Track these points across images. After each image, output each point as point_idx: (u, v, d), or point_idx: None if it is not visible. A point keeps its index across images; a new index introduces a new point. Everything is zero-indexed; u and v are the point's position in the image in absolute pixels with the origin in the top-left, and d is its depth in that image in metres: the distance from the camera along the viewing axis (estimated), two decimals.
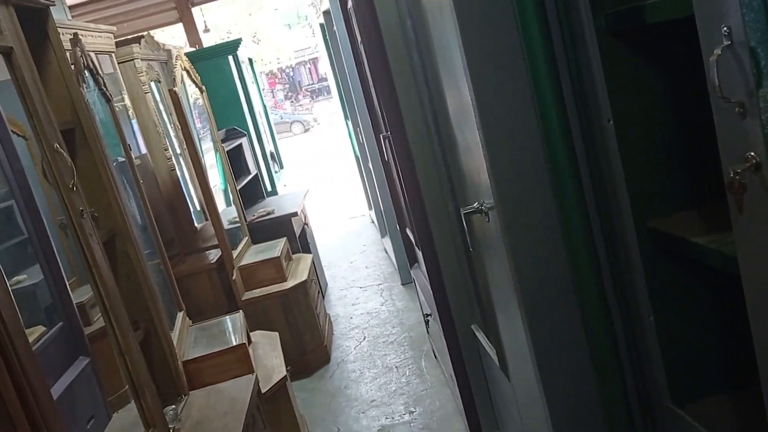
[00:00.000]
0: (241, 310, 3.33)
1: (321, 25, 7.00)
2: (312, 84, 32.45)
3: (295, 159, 14.94)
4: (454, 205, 2.58)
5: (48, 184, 2.47)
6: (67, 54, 2.58)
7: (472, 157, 1.86)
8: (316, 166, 14.53)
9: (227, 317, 3.28)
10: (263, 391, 2.74)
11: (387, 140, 3.16)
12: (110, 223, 2.33)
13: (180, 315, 3.16)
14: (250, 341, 3.18)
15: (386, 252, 6.09)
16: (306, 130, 23.91)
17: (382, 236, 6.28)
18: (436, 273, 2.71)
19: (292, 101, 30.72)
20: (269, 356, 3.14)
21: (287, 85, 32.19)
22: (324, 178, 12.39)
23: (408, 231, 3.73)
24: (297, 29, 30.22)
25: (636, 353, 1.42)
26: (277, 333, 3.49)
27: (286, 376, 2.92)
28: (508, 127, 1.45)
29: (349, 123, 6.77)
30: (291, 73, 32.46)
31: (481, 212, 1.90)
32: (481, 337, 2.55)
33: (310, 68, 32.75)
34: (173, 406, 2.30)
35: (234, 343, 2.85)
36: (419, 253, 3.41)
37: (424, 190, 2.63)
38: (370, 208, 7.40)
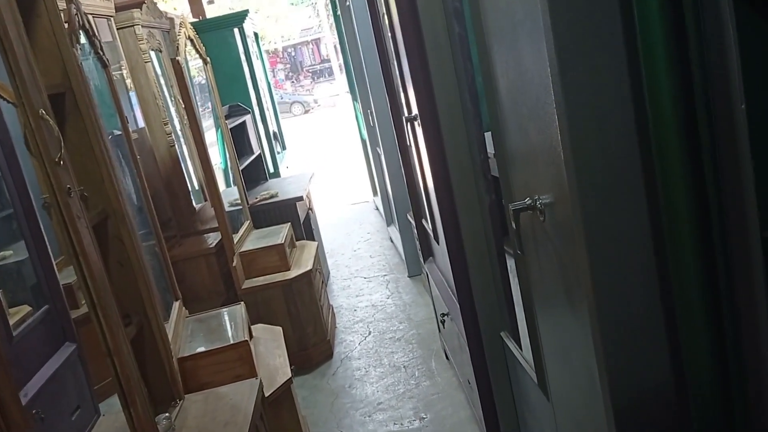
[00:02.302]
0: (242, 302, 3.07)
1: (332, 1, 6.68)
2: (313, 65, 32.01)
3: (295, 140, 14.63)
4: (491, 199, 2.31)
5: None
6: (61, 13, 2.30)
7: (528, 144, 1.59)
8: (317, 148, 14.23)
9: (227, 309, 3.02)
10: (266, 394, 2.48)
11: (410, 123, 2.89)
12: (102, 203, 2.06)
13: (176, 305, 2.90)
14: (251, 336, 2.92)
15: (392, 241, 5.83)
16: (306, 111, 23.57)
17: (388, 224, 6.01)
18: (462, 272, 2.45)
19: (293, 81, 30.31)
20: (272, 354, 2.88)
21: (288, 65, 31.74)
22: (325, 160, 12.09)
23: (424, 222, 3.46)
24: (300, 8, 29.77)
25: (744, 396, 1.16)
26: (280, 328, 3.23)
27: (290, 378, 2.66)
28: (597, 102, 1.17)
29: (357, 104, 6.47)
30: (293, 53, 32.01)
31: (534, 209, 1.63)
32: (512, 346, 2.29)
33: (312, 49, 32.30)
34: (167, 414, 2.03)
35: (235, 340, 2.58)
36: (438, 248, 3.15)
37: (454, 180, 2.36)
38: (374, 194, 7.13)
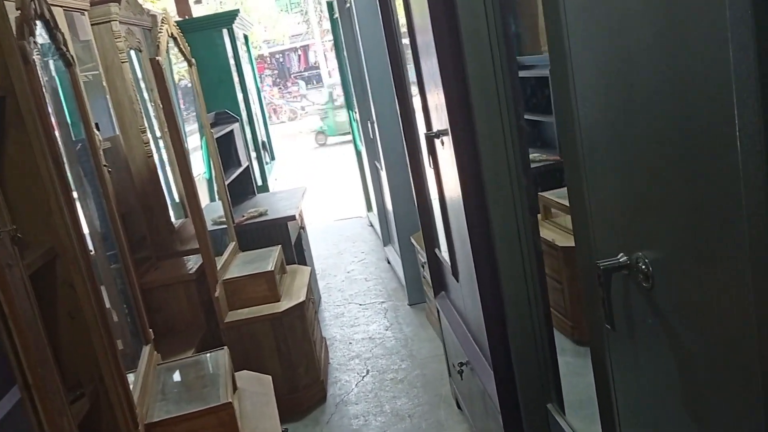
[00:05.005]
0: (225, 347, 2.60)
1: (328, 4, 6.25)
2: (301, 72, 31.51)
3: (281, 147, 14.20)
4: (535, 237, 1.88)
5: None
6: None
7: (630, 178, 1.16)
8: (304, 156, 13.79)
9: (208, 355, 2.55)
10: None
11: (430, 140, 2.45)
12: (50, 240, 1.59)
13: (146, 351, 2.43)
14: (235, 388, 2.46)
15: (389, 263, 5.38)
16: (293, 119, 23.09)
17: (385, 244, 5.56)
18: (499, 328, 2.01)
19: (281, 88, 29.79)
20: (260, 413, 2.41)
21: (276, 71, 31.24)
22: (313, 169, 11.65)
23: (438, 252, 3.02)
24: (290, 15, 29.37)
25: None
26: (269, 377, 2.76)
27: None
28: None
29: (354, 113, 6.03)
30: (281, 59, 31.53)
31: (634, 270, 1.19)
32: (563, 424, 1.85)
33: (300, 55, 31.83)
34: None
35: (216, 401, 2.12)
36: (455, 285, 2.71)
37: (494, 212, 1.92)
38: (369, 210, 6.69)
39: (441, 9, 1.84)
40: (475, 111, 1.85)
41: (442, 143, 2.27)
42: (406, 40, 2.84)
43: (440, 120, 2.23)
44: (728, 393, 0.97)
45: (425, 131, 2.44)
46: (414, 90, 2.73)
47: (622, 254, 1.22)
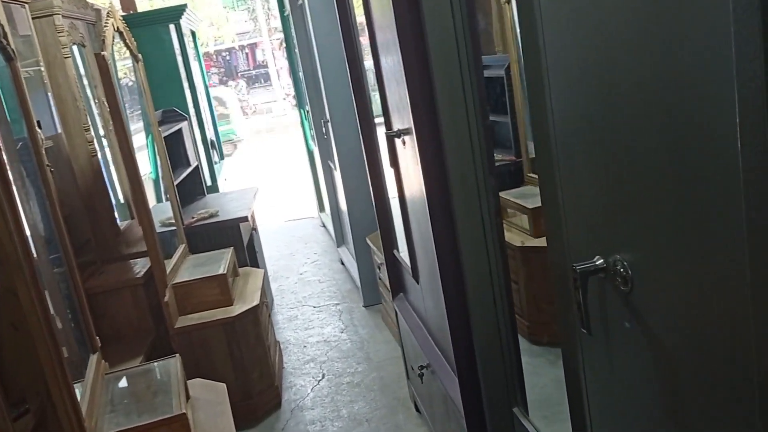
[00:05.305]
0: (177, 355, 2.49)
1: (279, 0, 6.14)
2: (248, 70, 31.10)
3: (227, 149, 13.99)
4: (499, 236, 1.85)
5: None
6: None
7: (611, 175, 1.12)
8: (253, 156, 13.59)
9: (158, 363, 2.44)
10: None
11: (391, 139, 2.40)
12: None
13: (93, 360, 2.31)
14: (188, 397, 2.36)
15: (343, 264, 5.31)
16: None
17: (338, 245, 5.49)
18: (464, 333, 1.97)
19: (227, 86, 29.34)
20: (215, 423, 2.31)
21: (223, 69, 30.75)
22: (262, 168, 11.48)
23: (396, 253, 2.97)
24: (236, 13, 28.97)
25: None
26: (224, 385, 2.66)
27: None
28: None
29: (306, 113, 5.94)
30: (228, 57, 31.06)
31: (611, 273, 1.16)
32: (529, 428, 1.82)
33: (247, 53, 31.41)
34: None
35: (169, 412, 2.02)
36: (415, 287, 2.67)
37: (459, 214, 1.87)
38: (321, 210, 6.60)
39: (405, 4, 1.79)
40: (439, 109, 1.81)
41: (404, 143, 2.22)
42: (363, 38, 2.78)
43: (402, 119, 2.18)
44: (716, 397, 0.94)
45: (385, 130, 2.39)
46: (372, 89, 2.68)
47: (598, 257, 1.19)
